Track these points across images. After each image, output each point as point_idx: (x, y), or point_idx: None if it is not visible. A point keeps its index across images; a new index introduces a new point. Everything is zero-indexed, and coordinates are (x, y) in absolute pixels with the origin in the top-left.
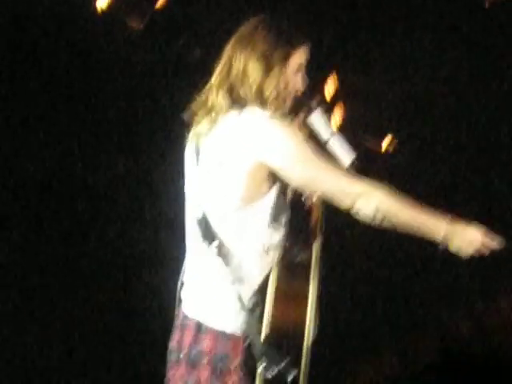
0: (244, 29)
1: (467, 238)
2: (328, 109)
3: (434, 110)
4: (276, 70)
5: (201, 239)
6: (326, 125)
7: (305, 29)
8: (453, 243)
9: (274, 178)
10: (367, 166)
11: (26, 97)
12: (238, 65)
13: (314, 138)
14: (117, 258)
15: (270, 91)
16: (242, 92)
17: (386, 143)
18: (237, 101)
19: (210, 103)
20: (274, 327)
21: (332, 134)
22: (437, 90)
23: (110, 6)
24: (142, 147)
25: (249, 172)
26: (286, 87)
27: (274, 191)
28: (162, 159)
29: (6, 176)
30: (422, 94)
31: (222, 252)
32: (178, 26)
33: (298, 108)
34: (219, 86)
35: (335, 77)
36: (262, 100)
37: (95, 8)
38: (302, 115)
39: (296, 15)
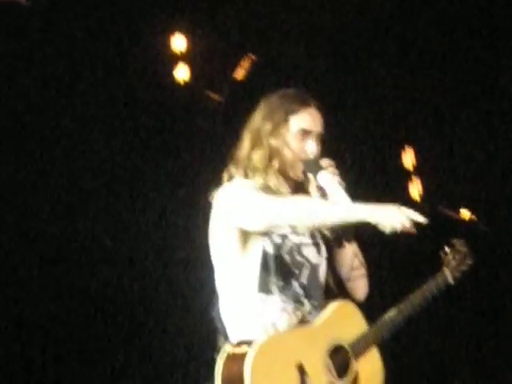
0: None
1: (390, 213)
2: (406, 178)
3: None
4: (263, 143)
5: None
6: (335, 183)
7: (306, 93)
8: (378, 219)
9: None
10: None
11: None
12: (239, 143)
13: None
14: None
15: (256, 162)
16: (232, 166)
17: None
18: (229, 177)
19: None
20: None
21: (339, 191)
22: None
23: (190, 78)
24: None
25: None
26: (277, 155)
27: (257, 253)
28: None
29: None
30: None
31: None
32: (257, 97)
33: (310, 170)
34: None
35: (413, 148)
36: (249, 171)
37: (176, 80)
38: (311, 176)
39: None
